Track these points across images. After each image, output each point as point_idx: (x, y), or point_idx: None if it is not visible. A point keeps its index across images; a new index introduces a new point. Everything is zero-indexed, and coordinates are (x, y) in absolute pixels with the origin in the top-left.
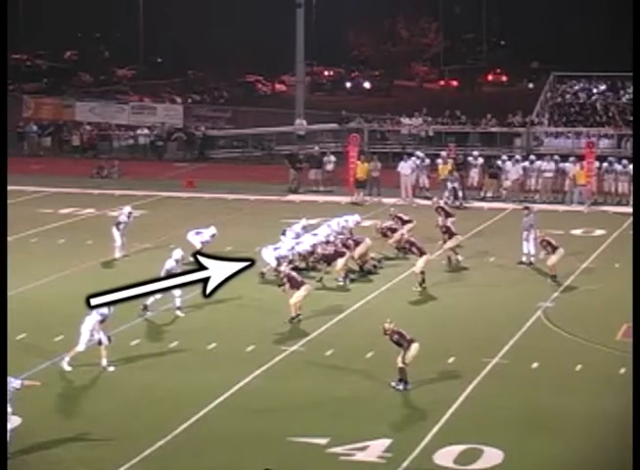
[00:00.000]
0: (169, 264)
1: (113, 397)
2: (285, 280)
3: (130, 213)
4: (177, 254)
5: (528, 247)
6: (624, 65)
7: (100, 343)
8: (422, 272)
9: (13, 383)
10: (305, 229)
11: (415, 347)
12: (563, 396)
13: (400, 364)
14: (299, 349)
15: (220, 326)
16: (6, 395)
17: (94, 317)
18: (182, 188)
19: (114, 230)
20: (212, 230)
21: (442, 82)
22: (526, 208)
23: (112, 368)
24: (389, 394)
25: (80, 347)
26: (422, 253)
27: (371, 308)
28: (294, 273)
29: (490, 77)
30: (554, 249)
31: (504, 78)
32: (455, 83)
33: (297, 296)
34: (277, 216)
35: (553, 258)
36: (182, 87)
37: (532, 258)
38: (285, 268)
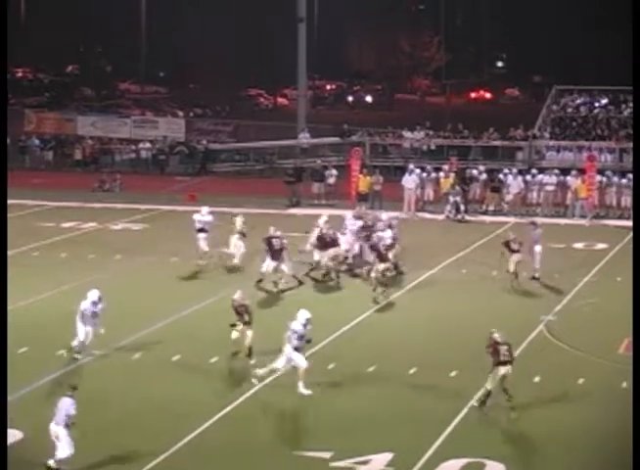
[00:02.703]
0: (84, 306)
1: (114, 409)
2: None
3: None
4: (94, 294)
5: (534, 262)
6: (626, 78)
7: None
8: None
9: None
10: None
11: (502, 370)
12: (565, 409)
13: (487, 385)
14: None
15: (222, 339)
16: (6, 396)
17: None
18: (184, 202)
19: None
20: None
21: (474, 94)
22: (533, 223)
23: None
24: (392, 407)
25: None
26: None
27: (374, 321)
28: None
29: (473, 95)
30: (512, 252)
31: (487, 96)
32: (488, 96)
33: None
34: (279, 230)
35: (513, 259)
36: (184, 101)
37: (537, 273)
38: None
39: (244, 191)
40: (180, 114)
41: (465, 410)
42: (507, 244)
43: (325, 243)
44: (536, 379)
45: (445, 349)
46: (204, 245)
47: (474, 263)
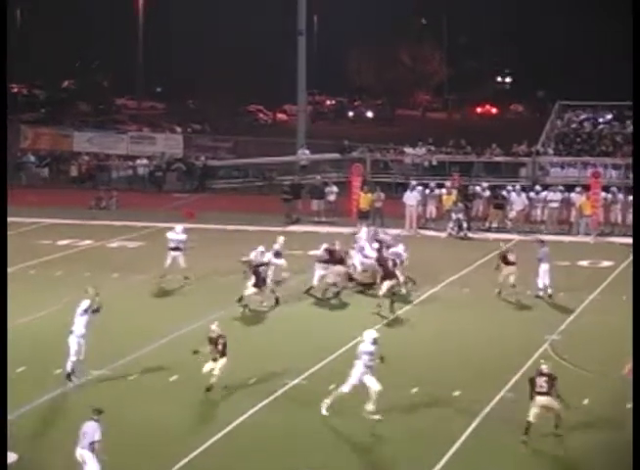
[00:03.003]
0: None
1: (113, 431)
2: None
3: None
4: (84, 304)
5: (543, 279)
6: (631, 94)
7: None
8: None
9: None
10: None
11: (538, 401)
12: (569, 430)
13: (529, 417)
14: (302, 382)
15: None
16: (6, 398)
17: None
18: (182, 219)
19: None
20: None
21: (480, 109)
22: (540, 240)
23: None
24: (393, 427)
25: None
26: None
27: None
28: None
29: (479, 110)
30: (507, 264)
31: (494, 111)
32: (495, 111)
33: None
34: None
35: (504, 272)
36: (182, 116)
37: (550, 290)
38: None
39: (242, 208)
40: (178, 129)
41: (468, 431)
42: (503, 256)
43: (334, 259)
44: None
45: (447, 368)
46: (180, 262)
47: (477, 282)
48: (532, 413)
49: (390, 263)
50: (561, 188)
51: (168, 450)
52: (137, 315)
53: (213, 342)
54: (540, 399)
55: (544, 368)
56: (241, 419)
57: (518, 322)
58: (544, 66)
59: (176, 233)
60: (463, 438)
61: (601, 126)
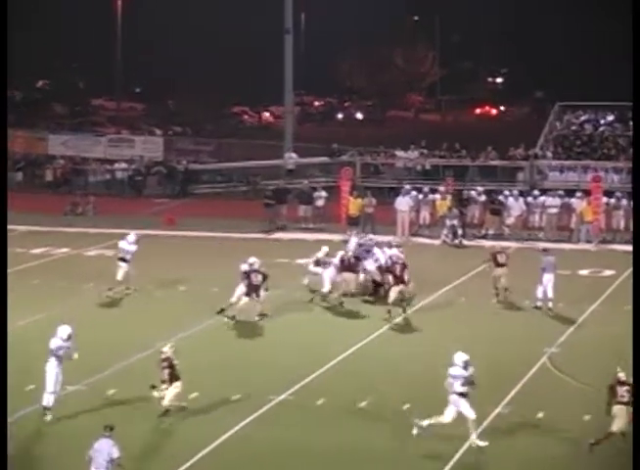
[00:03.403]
0: (55, 344)
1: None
2: None
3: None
4: (64, 331)
5: (544, 290)
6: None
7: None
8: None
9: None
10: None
11: (620, 411)
12: (570, 447)
13: (611, 428)
14: (289, 397)
15: (203, 374)
16: (6, 397)
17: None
18: (162, 226)
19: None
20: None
21: (479, 110)
22: (545, 249)
23: None
24: (384, 446)
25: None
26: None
27: (366, 353)
28: None
29: (480, 111)
30: (498, 266)
31: (496, 112)
32: (494, 112)
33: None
34: (264, 255)
35: (494, 273)
36: (162, 118)
37: (550, 303)
38: None
39: (226, 214)
40: (158, 132)
41: (463, 449)
42: (494, 256)
43: (345, 266)
44: (540, 415)
45: (441, 382)
46: (126, 273)
47: (472, 291)
48: (619, 424)
49: (399, 268)
50: (560, 193)
51: (150, 467)
52: (116, 327)
53: (169, 367)
54: (623, 409)
55: (622, 376)
56: (223, 437)
57: (515, 334)
58: (542, 65)
59: (127, 243)
60: (459, 455)
61: (602, 128)
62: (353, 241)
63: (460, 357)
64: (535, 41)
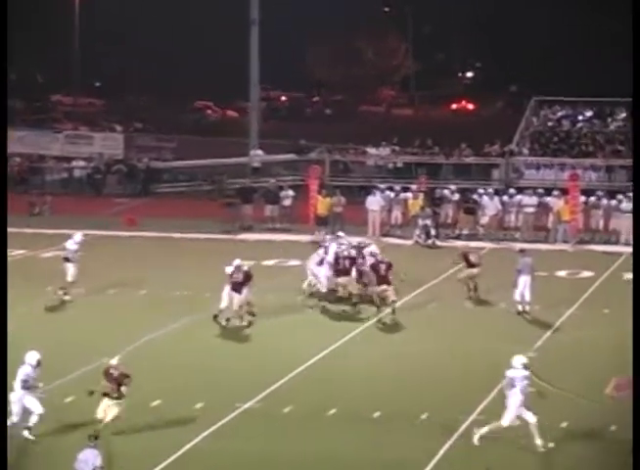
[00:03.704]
0: (24, 373)
1: (51, 460)
2: None
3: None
4: (32, 357)
5: (523, 293)
6: (613, 89)
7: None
8: None
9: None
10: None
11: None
12: (547, 455)
13: None
14: (255, 405)
15: (166, 381)
16: (6, 395)
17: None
18: (123, 226)
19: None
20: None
21: (455, 105)
22: (522, 250)
23: None
24: (354, 454)
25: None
26: None
27: (335, 359)
28: None
29: (454, 106)
30: (470, 266)
31: (470, 107)
32: (471, 107)
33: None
34: (229, 257)
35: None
36: (123, 114)
37: (527, 306)
38: None
39: (189, 214)
40: (118, 128)
41: (436, 459)
42: (465, 256)
43: (341, 269)
44: (516, 422)
45: (412, 389)
46: (70, 275)
47: (446, 294)
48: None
49: (384, 267)
50: (537, 191)
51: None
52: (74, 333)
53: (116, 381)
54: None
55: None
56: (187, 447)
57: (490, 338)
58: (517, 58)
59: (72, 243)
60: (431, 464)
61: (580, 124)
62: (333, 247)
63: (518, 360)
64: (510, 33)
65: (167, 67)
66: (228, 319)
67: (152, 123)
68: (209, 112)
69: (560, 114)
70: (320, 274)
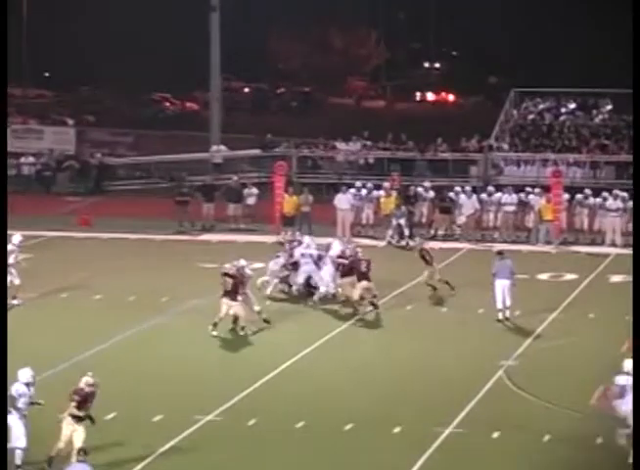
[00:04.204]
0: (19, 390)
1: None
2: None
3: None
4: (26, 374)
5: (503, 299)
6: (597, 80)
7: None
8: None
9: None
10: None
11: None
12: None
13: None
14: (216, 418)
15: (122, 392)
16: (6, 395)
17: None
18: (75, 227)
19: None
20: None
21: (430, 97)
22: (500, 252)
23: None
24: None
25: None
26: None
27: (303, 368)
28: None
29: (430, 98)
30: (428, 263)
31: (446, 99)
32: (452, 98)
33: None
34: (190, 259)
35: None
36: (74, 106)
37: (507, 312)
38: None
39: (147, 213)
40: (70, 122)
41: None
42: (422, 255)
43: (345, 269)
44: (495, 435)
45: (386, 400)
46: (14, 279)
47: (420, 298)
48: None
49: (364, 264)
50: (518, 189)
51: None
52: (24, 342)
53: (82, 398)
54: None
55: None
56: (142, 465)
57: (468, 345)
58: (497, 46)
59: (10, 244)
60: None
61: (563, 117)
62: (336, 245)
63: (629, 364)
64: (489, 20)
65: (122, 56)
66: (243, 327)
67: (106, 117)
68: (167, 104)
69: (541, 106)
70: (325, 275)
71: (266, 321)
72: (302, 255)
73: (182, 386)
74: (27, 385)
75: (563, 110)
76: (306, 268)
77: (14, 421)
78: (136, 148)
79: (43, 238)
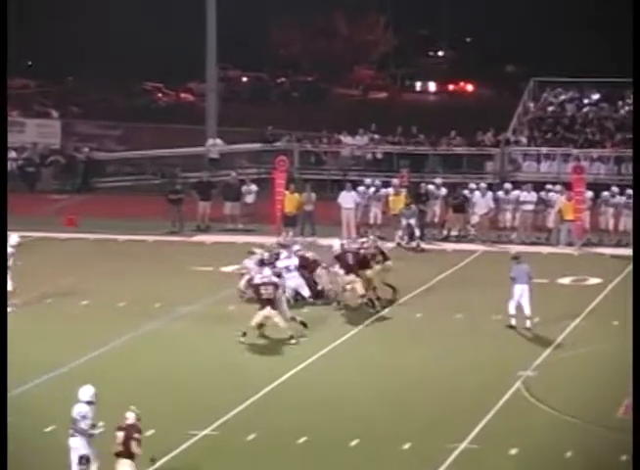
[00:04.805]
0: (82, 412)
1: None
2: None
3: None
4: (88, 393)
5: (520, 305)
6: (623, 68)
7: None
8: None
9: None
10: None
11: None
12: None
13: None
14: (213, 433)
15: (112, 404)
16: (6, 395)
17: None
18: (61, 227)
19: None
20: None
21: (443, 88)
22: (516, 256)
23: None
24: None
25: None
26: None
27: (306, 379)
28: None
29: (442, 89)
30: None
31: (470, 88)
32: (466, 88)
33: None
34: (183, 262)
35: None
36: (60, 97)
37: (528, 322)
38: None
39: (137, 212)
40: (55, 114)
41: None
42: (381, 252)
43: (351, 266)
44: (512, 451)
45: (395, 413)
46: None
47: (432, 304)
48: None
49: (350, 257)
50: (537, 186)
51: None
52: (16, 346)
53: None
54: None
55: None
56: None
57: (484, 355)
58: (514, 32)
59: (7, 246)
60: None
61: (586, 109)
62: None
63: None
64: (506, 3)
65: (111, 44)
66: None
67: (93, 108)
68: (160, 94)
69: (563, 97)
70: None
71: (303, 324)
72: (287, 268)
73: (176, 397)
74: (89, 403)
75: (586, 101)
76: (291, 284)
77: (77, 443)
78: (126, 142)
79: (27, 239)
